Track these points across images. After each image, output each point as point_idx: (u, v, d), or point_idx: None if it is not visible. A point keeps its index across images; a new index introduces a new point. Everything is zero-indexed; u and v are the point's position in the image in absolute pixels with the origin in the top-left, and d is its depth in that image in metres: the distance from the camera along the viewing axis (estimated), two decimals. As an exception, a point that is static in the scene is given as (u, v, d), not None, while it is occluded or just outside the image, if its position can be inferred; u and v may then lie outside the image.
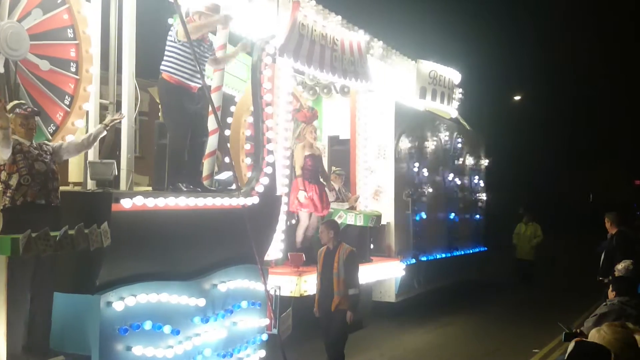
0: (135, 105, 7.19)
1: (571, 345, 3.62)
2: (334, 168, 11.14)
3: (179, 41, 6.31)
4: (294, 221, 10.13)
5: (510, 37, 38.19)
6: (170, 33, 6.50)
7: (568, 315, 11.07)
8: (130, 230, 5.07)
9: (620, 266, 7.11)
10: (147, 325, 5.22)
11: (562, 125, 40.56)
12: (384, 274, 10.91)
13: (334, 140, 12.08)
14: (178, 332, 5.51)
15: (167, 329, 5.39)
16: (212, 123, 7.03)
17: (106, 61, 7.54)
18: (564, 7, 37.60)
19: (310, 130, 9.90)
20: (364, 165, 10.93)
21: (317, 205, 9.76)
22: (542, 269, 17.38)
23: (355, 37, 10.37)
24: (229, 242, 6.31)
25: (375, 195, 11.55)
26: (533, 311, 13.02)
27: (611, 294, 6.15)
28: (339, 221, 10.09)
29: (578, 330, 5.38)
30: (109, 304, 4.96)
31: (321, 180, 9.97)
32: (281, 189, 8.88)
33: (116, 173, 5.31)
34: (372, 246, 10.98)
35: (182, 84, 6.43)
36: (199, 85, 6.47)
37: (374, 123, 11.36)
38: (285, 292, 8.49)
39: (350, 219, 10.17)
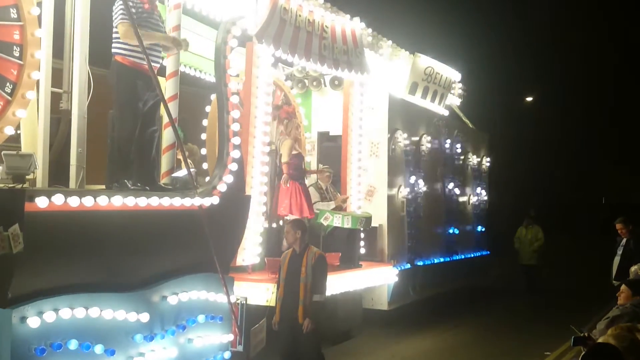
0: (88, 94, 6.49)
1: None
2: (321, 166, 10.39)
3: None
4: (280, 223, 9.41)
5: (524, 35, 37.31)
6: (114, 11, 5.77)
7: (577, 321, 10.39)
8: (50, 234, 4.34)
9: (632, 269, 7.16)
10: (73, 344, 4.49)
11: (574, 126, 39.63)
12: (374, 280, 10.14)
13: (323, 137, 11.32)
14: (113, 352, 4.76)
15: (98, 348, 4.65)
16: (171, 112, 6.30)
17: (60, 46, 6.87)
18: (578, 5, 36.70)
19: (296, 125, 9.19)
20: (357, 163, 10.16)
21: (304, 207, 9.03)
22: (548, 274, 16.63)
23: (349, 25, 9.58)
24: (183, 248, 5.56)
25: (368, 195, 10.79)
26: (540, 316, 12.40)
27: (629, 297, 6.08)
28: (325, 223, 9.40)
29: (587, 334, 5.21)
30: (23, 319, 4.23)
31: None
32: (260, 188, 8.17)
33: (37, 167, 4.57)
34: (363, 250, 10.24)
35: (138, 66, 5.70)
36: (158, 66, 5.73)
37: (365, 118, 10.62)
38: (261, 301, 7.79)
39: (337, 221, 9.40)
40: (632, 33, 36.72)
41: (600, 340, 3.99)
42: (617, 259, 9.82)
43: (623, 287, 6.27)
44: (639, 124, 37.54)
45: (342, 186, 10.16)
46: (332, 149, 10.97)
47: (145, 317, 5.02)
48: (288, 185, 9.02)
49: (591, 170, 39.71)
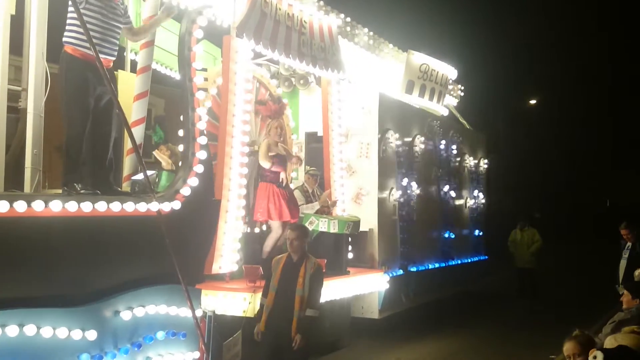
0: (45, 91, 6.04)
1: (599, 355, 3.77)
2: (307, 167, 9.88)
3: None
4: (263, 228, 8.91)
5: (526, 36, 36.81)
6: None
7: (578, 325, 10.05)
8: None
9: (637, 272, 7.18)
10: (3, 367, 4.03)
11: (577, 128, 39.07)
12: (363, 288, 9.61)
13: (311, 137, 10.81)
14: (53, 375, 4.30)
15: (35, 371, 4.19)
16: (138, 111, 5.84)
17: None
18: (581, 8, 36.21)
19: (276, 126, 8.62)
20: (339, 164, 9.68)
21: (286, 212, 8.50)
22: (547, 277, 16.16)
23: (325, 20, 9.12)
24: (140, 258, 5.10)
25: (357, 198, 10.30)
26: (541, 321, 11.99)
27: (632, 301, 5.99)
28: (310, 228, 8.86)
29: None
30: (-58, 341, 3.78)
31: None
32: (238, 191, 7.66)
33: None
34: (351, 256, 9.74)
35: (90, 58, 5.22)
36: (112, 59, 5.24)
37: (355, 118, 10.15)
38: (237, 312, 7.30)
39: (322, 225, 8.87)
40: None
41: (609, 338, 4.08)
42: (623, 263, 9.55)
43: (625, 291, 6.13)
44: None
45: (326, 188, 9.66)
46: (320, 150, 10.44)
47: (92, 334, 4.55)
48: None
49: (594, 171, 39.15)
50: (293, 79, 10.74)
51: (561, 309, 13.40)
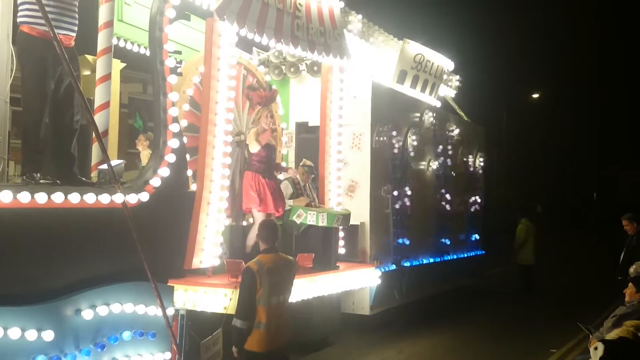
0: (10, 74, 5.69)
1: (600, 347, 3.75)
2: (305, 160, 9.43)
3: None
4: (250, 221, 8.59)
5: (532, 31, 36.47)
6: None
7: (579, 319, 9.91)
8: None
9: (632, 269, 7.10)
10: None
11: (581, 123, 38.69)
12: (354, 283, 9.28)
13: (302, 127, 10.48)
14: (4, 379, 4.00)
15: (-19, 375, 3.88)
16: (101, 95, 5.48)
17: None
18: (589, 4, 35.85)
19: (266, 114, 8.27)
20: (336, 156, 9.33)
21: (271, 203, 8.14)
22: (545, 272, 15.92)
23: (326, 3, 8.72)
24: (104, 253, 4.77)
25: (349, 191, 9.96)
26: (541, 316, 11.88)
27: (635, 295, 5.93)
28: (298, 221, 8.55)
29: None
30: None
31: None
32: (221, 182, 7.33)
33: None
34: (343, 250, 9.43)
35: (48, 37, 4.85)
36: (72, 36, 4.88)
37: (347, 108, 9.80)
38: (218, 309, 6.98)
39: (311, 218, 8.53)
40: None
41: (613, 333, 4.09)
42: (622, 256, 9.66)
43: (629, 284, 6.13)
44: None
45: (320, 181, 9.31)
46: (311, 140, 10.13)
47: (49, 335, 4.23)
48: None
49: (599, 167, 38.86)
50: (283, 67, 10.40)
51: (560, 304, 13.19)
